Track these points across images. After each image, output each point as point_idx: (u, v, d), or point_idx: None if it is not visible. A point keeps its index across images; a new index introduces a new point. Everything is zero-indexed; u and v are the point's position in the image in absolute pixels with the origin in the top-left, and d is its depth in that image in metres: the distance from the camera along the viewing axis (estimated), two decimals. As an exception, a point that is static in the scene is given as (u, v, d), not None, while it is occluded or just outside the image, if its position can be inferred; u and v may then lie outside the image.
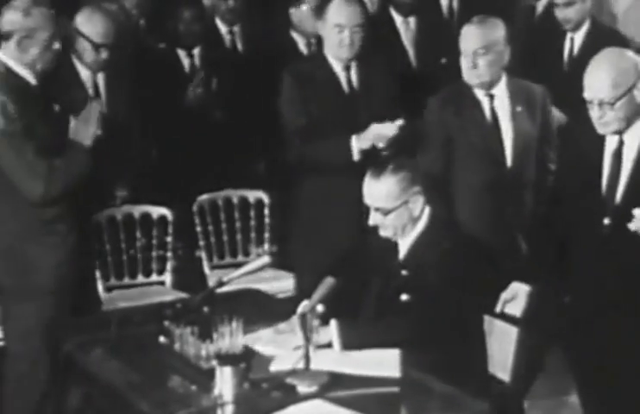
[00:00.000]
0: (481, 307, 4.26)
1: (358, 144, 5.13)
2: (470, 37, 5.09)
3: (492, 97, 5.15)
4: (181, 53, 6.80)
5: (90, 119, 5.15)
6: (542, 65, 6.24)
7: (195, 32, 6.75)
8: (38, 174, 4.86)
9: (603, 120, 4.18)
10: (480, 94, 5.15)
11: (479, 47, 5.05)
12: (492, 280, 4.31)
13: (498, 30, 5.10)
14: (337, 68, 5.38)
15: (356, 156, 5.13)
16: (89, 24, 5.87)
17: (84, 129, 5.11)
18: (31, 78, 4.99)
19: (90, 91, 6.07)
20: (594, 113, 4.18)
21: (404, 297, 4.14)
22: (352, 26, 5.28)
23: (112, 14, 6.15)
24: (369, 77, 5.40)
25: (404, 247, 4.27)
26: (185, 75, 6.69)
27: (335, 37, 5.31)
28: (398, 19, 6.82)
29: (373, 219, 4.25)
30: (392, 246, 4.28)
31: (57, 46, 5.03)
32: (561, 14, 6.46)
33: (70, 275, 5.05)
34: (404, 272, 4.21)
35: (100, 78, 6.08)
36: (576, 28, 6.45)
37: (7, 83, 4.90)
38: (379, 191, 4.23)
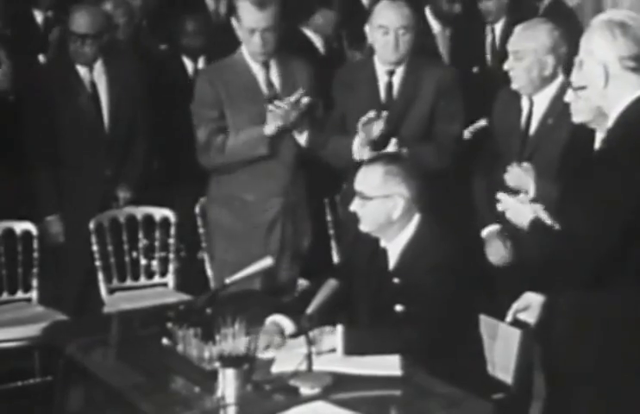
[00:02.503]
0: (476, 311, 4.24)
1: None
2: (511, 39, 5.08)
3: (532, 103, 5.08)
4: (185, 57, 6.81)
5: (273, 110, 5.19)
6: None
7: (201, 40, 6.77)
8: (199, 145, 5.32)
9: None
10: (524, 98, 5.10)
11: (514, 51, 5.02)
12: (486, 289, 4.32)
13: (539, 37, 4.99)
14: (380, 72, 5.33)
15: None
16: (73, 19, 6.10)
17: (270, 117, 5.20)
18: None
19: (88, 90, 6.13)
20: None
21: (398, 307, 4.11)
22: (397, 28, 5.20)
23: (96, 9, 6.26)
24: (413, 87, 5.30)
25: (393, 254, 4.22)
26: (189, 78, 6.69)
27: (381, 39, 5.24)
28: (436, 27, 6.80)
29: (354, 204, 4.23)
30: (382, 252, 4.25)
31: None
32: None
33: None
34: (396, 281, 4.17)
35: (100, 77, 6.13)
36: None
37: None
38: (365, 175, 4.23)
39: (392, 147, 5.03)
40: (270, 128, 5.20)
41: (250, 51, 5.27)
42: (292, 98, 5.14)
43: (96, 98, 6.17)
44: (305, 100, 5.17)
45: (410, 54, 5.30)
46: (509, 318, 4.27)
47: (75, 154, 6.09)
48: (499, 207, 3.92)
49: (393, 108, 5.27)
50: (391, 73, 5.32)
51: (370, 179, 4.20)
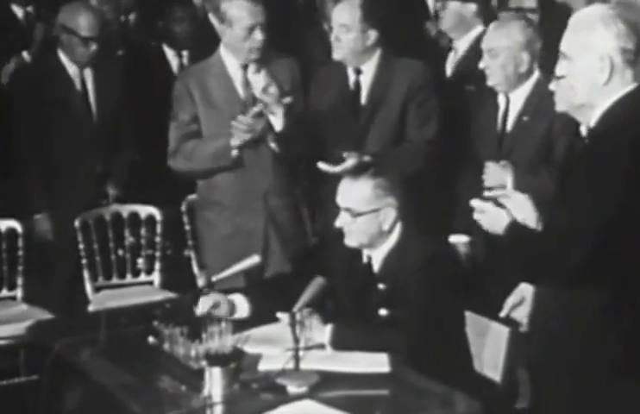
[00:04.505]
0: (462, 310, 4.23)
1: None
2: (485, 37, 5.09)
3: (508, 101, 5.09)
4: (169, 53, 6.79)
5: (237, 126, 5.13)
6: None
7: (187, 32, 6.74)
8: (169, 148, 5.33)
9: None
10: (500, 96, 5.11)
11: (489, 48, 5.03)
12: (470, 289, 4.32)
13: (513, 34, 5.00)
14: (349, 71, 5.32)
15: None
16: (75, 19, 6.01)
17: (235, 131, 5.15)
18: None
19: (78, 88, 6.10)
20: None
21: (382, 311, 4.09)
22: (338, 25, 5.22)
23: (96, 8, 6.21)
24: (382, 88, 5.28)
25: (377, 260, 4.20)
26: (174, 76, 6.68)
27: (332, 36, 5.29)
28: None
29: (341, 220, 4.17)
30: (364, 258, 4.23)
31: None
32: None
33: None
34: (381, 286, 4.15)
35: (88, 74, 6.11)
36: None
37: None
38: (352, 191, 4.17)
39: (350, 160, 4.95)
40: (236, 141, 5.15)
41: (244, 48, 5.18)
42: (255, 110, 5.11)
43: (85, 96, 6.15)
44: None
45: (380, 52, 5.28)
46: (504, 313, 4.27)
47: (65, 152, 6.07)
48: (474, 216, 3.90)
49: (361, 109, 5.27)
50: (358, 72, 5.31)
51: (359, 195, 4.15)
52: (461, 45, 5.88)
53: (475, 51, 5.64)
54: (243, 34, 5.15)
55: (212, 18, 6.98)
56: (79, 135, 6.10)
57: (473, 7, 5.82)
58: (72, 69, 6.10)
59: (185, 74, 5.56)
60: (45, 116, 6.02)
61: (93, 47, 6.01)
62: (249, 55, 5.19)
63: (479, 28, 5.83)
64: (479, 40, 5.63)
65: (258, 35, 5.13)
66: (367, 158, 4.97)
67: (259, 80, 5.08)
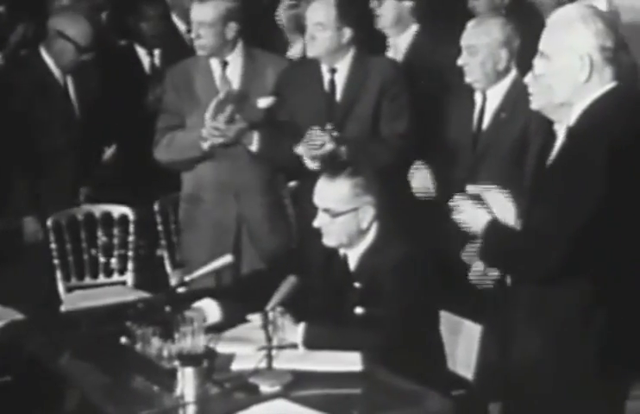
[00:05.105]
0: (437, 309, 4.24)
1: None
2: (465, 34, 5.09)
3: (485, 98, 5.11)
4: (141, 52, 6.77)
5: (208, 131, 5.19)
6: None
7: (159, 31, 6.73)
8: (155, 138, 5.41)
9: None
10: (477, 93, 5.12)
11: (468, 46, 5.04)
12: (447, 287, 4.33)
13: (492, 32, 5.03)
14: (324, 69, 5.31)
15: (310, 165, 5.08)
16: (74, 28, 6.06)
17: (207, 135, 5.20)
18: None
19: (62, 88, 6.12)
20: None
21: (358, 310, 4.10)
22: (313, 23, 5.23)
23: (91, 17, 6.22)
24: (357, 85, 5.27)
25: (353, 258, 4.21)
26: (146, 75, 6.67)
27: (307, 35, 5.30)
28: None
29: (320, 221, 4.17)
30: (341, 255, 4.24)
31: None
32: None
33: None
34: (357, 285, 4.16)
35: (73, 76, 6.12)
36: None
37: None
38: (331, 191, 4.17)
39: (328, 144, 5.02)
40: (206, 145, 5.21)
41: (196, 44, 5.36)
42: (226, 115, 5.14)
43: (67, 96, 6.14)
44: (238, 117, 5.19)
45: (354, 51, 5.28)
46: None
47: (51, 152, 6.05)
48: (454, 215, 3.88)
49: (336, 107, 5.27)
50: (333, 71, 5.31)
51: (337, 195, 4.14)
52: (401, 42, 5.86)
53: (420, 46, 5.69)
54: (193, 30, 5.34)
55: (175, 18, 7.01)
56: (64, 135, 6.09)
57: (408, 4, 5.82)
58: (56, 71, 6.10)
59: (174, 68, 5.62)
60: (30, 117, 6.00)
61: (85, 56, 6.03)
62: (199, 51, 5.33)
63: (414, 27, 5.83)
64: (418, 36, 5.76)
65: (194, 32, 5.30)
66: (342, 147, 5.03)
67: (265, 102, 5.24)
